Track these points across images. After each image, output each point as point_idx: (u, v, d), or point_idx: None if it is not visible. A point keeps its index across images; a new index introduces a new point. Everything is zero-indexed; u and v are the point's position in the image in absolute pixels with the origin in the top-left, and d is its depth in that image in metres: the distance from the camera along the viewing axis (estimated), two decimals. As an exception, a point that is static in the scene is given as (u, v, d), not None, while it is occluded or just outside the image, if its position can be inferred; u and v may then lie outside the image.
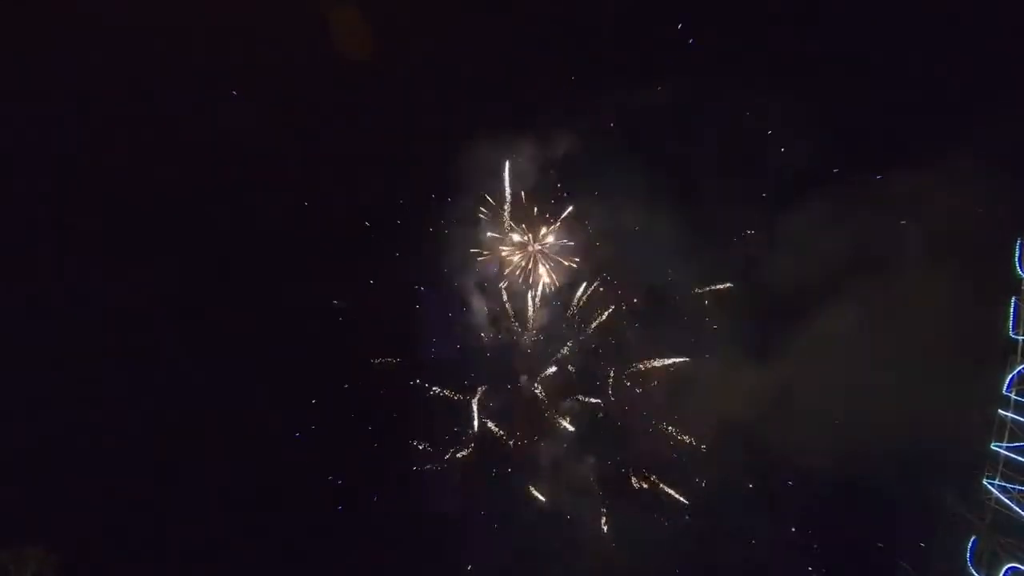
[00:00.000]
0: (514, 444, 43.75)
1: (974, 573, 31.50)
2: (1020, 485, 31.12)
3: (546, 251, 44.27)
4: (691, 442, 42.64)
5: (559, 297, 44.75)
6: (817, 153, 38.22)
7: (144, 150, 38.39)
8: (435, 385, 43.78)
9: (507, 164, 42.63)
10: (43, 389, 36.71)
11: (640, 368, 43.84)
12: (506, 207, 43.38)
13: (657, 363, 43.52)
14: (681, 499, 41.96)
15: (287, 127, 38.70)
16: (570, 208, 43.63)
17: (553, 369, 44.81)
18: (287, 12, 36.03)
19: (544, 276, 44.34)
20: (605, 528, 42.23)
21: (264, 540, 39.80)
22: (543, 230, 44.03)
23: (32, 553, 34.15)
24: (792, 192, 39.75)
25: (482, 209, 43.45)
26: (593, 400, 44.50)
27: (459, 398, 43.95)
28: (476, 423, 43.84)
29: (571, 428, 44.07)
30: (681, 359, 43.16)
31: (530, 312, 44.62)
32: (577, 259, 44.09)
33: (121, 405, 38.40)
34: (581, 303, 44.51)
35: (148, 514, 38.54)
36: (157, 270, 38.66)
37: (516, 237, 44.03)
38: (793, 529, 40.10)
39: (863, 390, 36.78)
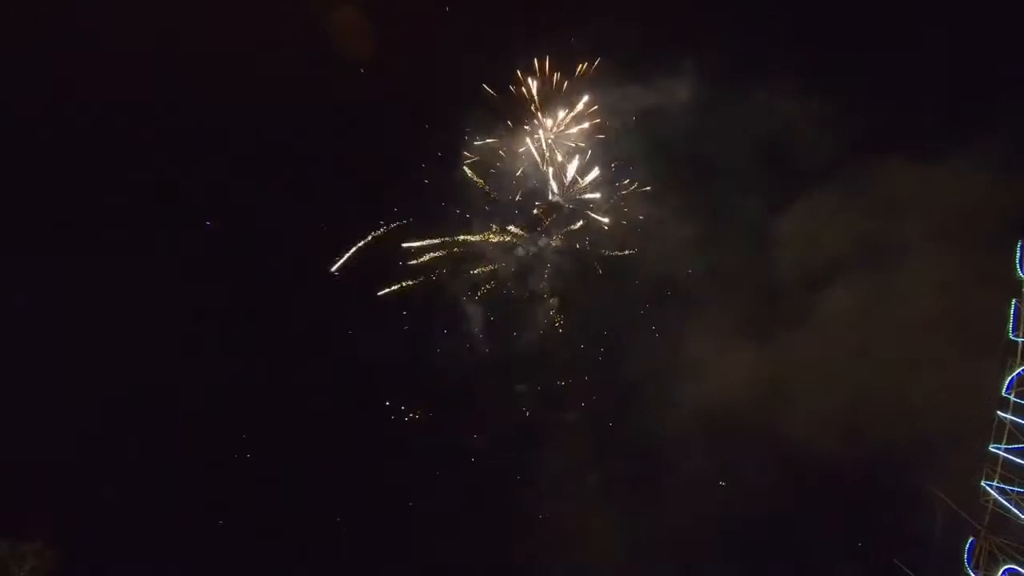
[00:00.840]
0: (510, 461, 42.22)
1: (971, 575, 31.48)
2: (1018, 487, 31.13)
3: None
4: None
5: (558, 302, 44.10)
6: (813, 153, 38.29)
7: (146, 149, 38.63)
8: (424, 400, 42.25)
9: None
10: (43, 388, 36.86)
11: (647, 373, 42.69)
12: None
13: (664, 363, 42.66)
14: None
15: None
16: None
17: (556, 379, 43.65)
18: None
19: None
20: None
21: (264, 540, 39.92)
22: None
23: (30, 548, 34.22)
24: (789, 193, 39.81)
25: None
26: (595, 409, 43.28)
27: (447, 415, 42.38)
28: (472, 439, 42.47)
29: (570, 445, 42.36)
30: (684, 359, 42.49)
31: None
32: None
33: (121, 403, 38.52)
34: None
35: (148, 512, 38.62)
36: (155, 267, 38.76)
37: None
38: (791, 531, 40.01)
39: (861, 390, 36.85)
